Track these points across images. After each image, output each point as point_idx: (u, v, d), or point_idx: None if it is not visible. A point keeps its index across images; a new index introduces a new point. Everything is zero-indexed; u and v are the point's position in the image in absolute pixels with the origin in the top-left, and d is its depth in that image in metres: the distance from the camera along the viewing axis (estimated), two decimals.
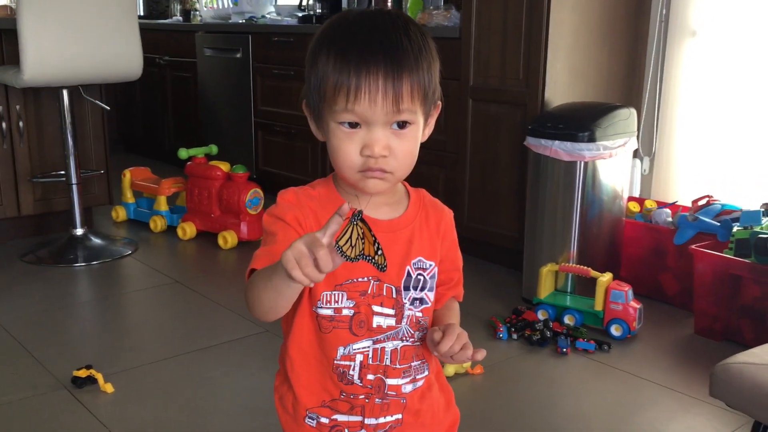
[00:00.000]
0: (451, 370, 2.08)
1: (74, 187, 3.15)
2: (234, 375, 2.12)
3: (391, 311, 0.98)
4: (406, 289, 0.99)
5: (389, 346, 0.99)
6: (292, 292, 0.86)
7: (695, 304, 2.41)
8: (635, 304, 2.36)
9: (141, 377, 2.10)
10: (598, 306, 2.38)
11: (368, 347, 0.98)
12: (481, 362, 2.14)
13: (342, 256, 0.80)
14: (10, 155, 3.20)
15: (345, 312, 0.97)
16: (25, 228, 3.37)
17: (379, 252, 0.82)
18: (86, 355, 2.21)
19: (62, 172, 3.20)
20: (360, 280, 0.97)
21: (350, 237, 0.81)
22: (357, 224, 0.81)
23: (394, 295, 0.99)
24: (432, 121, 0.99)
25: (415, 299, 1.00)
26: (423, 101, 0.93)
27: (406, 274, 0.99)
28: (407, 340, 1.00)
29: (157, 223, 3.51)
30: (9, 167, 3.20)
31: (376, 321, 0.98)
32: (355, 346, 0.98)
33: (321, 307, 0.97)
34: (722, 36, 2.78)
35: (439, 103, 0.99)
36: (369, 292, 0.97)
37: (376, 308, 0.98)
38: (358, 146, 0.91)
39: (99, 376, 2.00)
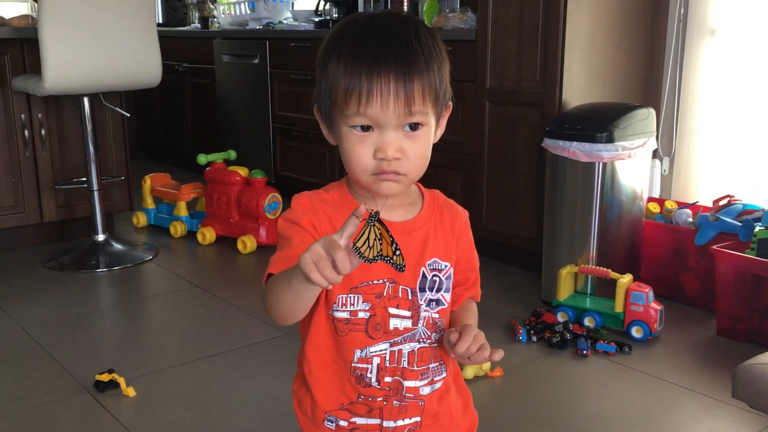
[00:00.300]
0: (470, 372, 2.07)
1: (95, 194, 3.19)
2: (254, 379, 2.13)
3: (408, 313, 0.99)
4: (422, 290, 0.99)
5: (406, 348, 0.99)
6: (310, 295, 0.86)
7: (717, 304, 2.38)
8: (656, 306, 2.34)
9: (162, 381, 2.11)
10: (619, 308, 2.36)
11: (385, 350, 0.98)
12: (500, 365, 2.14)
13: (360, 257, 0.80)
14: (32, 163, 3.24)
15: (361, 315, 0.97)
16: (47, 234, 3.42)
17: (398, 252, 0.82)
18: (108, 359, 2.23)
19: (84, 179, 3.24)
20: (376, 282, 0.97)
21: (368, 238, 0.81)
22: (374, 225, 0.81)
23: (410, 297, 0.99)
24: (443, 122, 1.00)
25: (431, 300, 1.00)
26: (434, 102, 0.94)
27: (421, 276, 0.99)
28: (424, 342, 1.00)
29: (177, 229, 3.54)
30: (32, 175, 3.25)
31: (393, 323, 0.98)
32: (372, 349, 0.98)
33: (337, 311, 0.97)
34: (742, 35, 2.76)
35: (450, 103, 0.99)
36: (385, 294, 0.97)
37: (392, 310, 0.98)
38: (370, 149, 0.92)
39: (121, 380, 2.02)
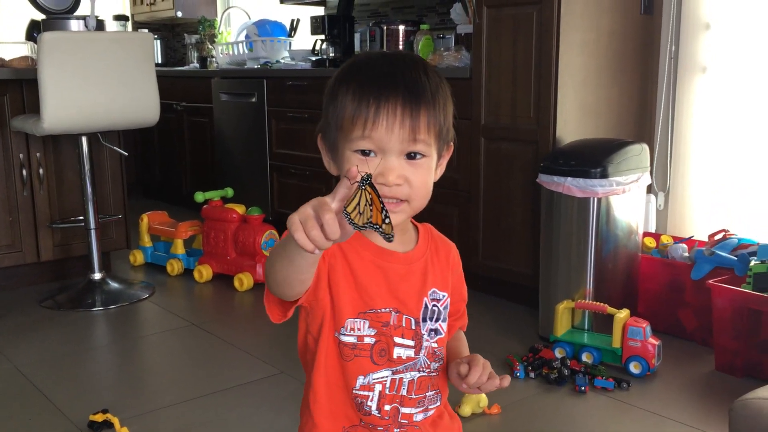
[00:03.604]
0: (467, 410, 2.06)
1: (92, 232, 3.19)
2: (250, 417, 2.11)
3: (411, 342, 1.00)
4: (424, 320, 1.01)
5: (407, 377, 1.01)
6: (303, 263, 0.84)
7: (715, 339, 2.37)
8: (654, 341, 2.34)
9: (157, 421, 2.09)
10: (616, 343, 2.36)
11: (387, 377, 0.99)
12: (498, 401, 2.12)
13: (350, 223, 0.76)
14: (30, 202, 3.25)
15: (367, 340, 0.98)
16: (44, 273, 3.41)
17: (387, 220, 0.78)
18: (103, 399, 2.21)
19: (81, 218, 3.25)
20: (382, 311, 0.98)
21: (358, 203, 0.76)
22: (365, 189, 0.77)
23: (413, 327, 1.00)
24: (444, 162, 1.02)
25: (431, 330, 1.02)
26: (437, 137, 0.96)
27: (423, 306, 1.01)
28: (424, 371, 1.02)
29: (174, 267, 3.53)
30: (29, 214, 3.26)
31: (397, 352, 0.99)
32: (375, 376, 0.99)
33: (344, 334, 0.98)
34: (732, 72, 2.80)
35: (452, 144, 1.01)
36: (391, 323, 0.99)
37: (398, 339, 0.99)
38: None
39: (115, 421, 2.00)
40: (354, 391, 0.99)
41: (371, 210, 0.77)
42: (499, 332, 2.68)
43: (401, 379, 1.00)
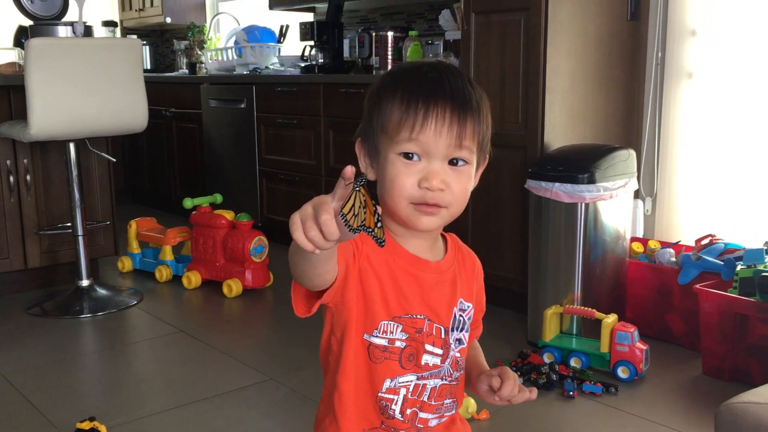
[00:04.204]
0: None
1: (80, 239, 3.18)
2: (239, 424, 2.10)
3: (440, 351, 1.01)
4: (452, 330, 1.03)
5: (430, 383, 1.02)
6: (315, 258, 0.81)
7: (702, 344, 2.39)
8: (641, 346, 2.35)
9: (145, 428, 2.08)
10: (604, 348, 2.36)
11: (411, 381, 1.00)
12: (486, 407, 2.12)
13: (345, 225, 0.74)
14: (17, 209, 3.23)
15: (398, 344, 0.98)
16: (31, 280, 3.39)
17: (379, 225, 0.77)
18: (90, 407, 2.20)
19: (69, 224, 3.24)
20: (417, 317, 0.99)
21: (353, 205, 0.74)
22: (359, 191, 0.75)
23: (443, 336, 1.01)
24: (479, 174, 1.03)
25: (456, 339, 1.04)
26: (479, 147, 0.97)
27: (453, 316, 1.02)
28: (446, 380, 1.03)
29: (163, 273, 3.52)
30: (16, 221, 3.24)
31: (425, 359, 1.00)
32: (401, 380, 0.99)
33: (377, 336, 0.98)
34: (718, 78, 2.82)
35: (488, 157, 1.02)
36: (424, 330, 0.99)
37: (428, 347, 1.00)
38: (415, 178, 0.93)
39: (103, 428, 1.99)
40: (380, 394, 0.99)
41: (365, 212, 0.75)
42: (488, 337, 2.67)
43: (425, 385, 1.01)
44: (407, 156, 0.93)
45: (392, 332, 0.98)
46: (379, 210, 0.77)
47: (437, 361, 1.01)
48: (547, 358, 2.43)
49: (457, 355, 1.04)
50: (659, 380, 2.36)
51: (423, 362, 1.00)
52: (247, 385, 2.35)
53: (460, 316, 1.04)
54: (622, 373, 2.34)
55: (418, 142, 0.92)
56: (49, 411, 2.18)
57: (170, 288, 3.46)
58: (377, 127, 0.96)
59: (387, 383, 0.99)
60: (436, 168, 0.93)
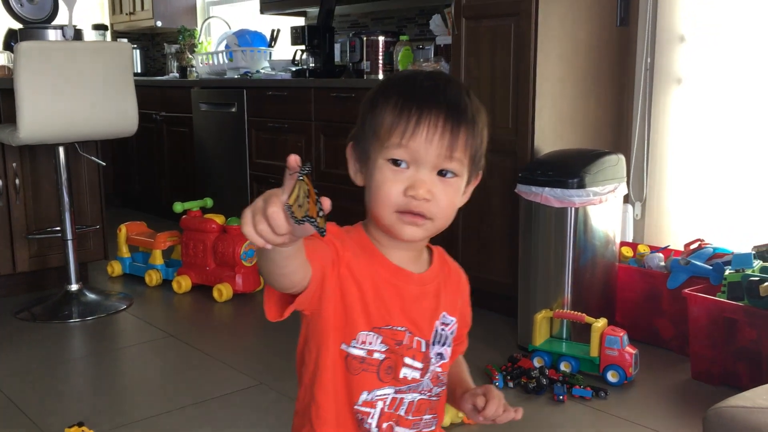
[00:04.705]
0: (447, 420, 2.06)
1: (69, 243, 3.16)
2: (228, 429, 2.09)
3: (420, 365, 0.99)
4: (433, 343, 1.00)
5: (408, 397, 0.99)
6: (276, 256, 0.79)
7: (691, 348, 2.40)
8: (631, 350, 2.35)
9: None
10: (594, 352, 2.37)
11: (389, 395, 0.98)
12: None
13: (291, 217, 0.71)
14: (6, 213, 3.22)
15: (376, 356, 0.96)
16: (19, 285, 3.37)
17: (321, 213, 0.73)
18: (79, 411, 2.19)
19: (58, 228, 3.22)
20: (398, 329, 0.97)
21: (298, 195, 0.72)
22: (303, 180, 0.73)
23: (423, 350, 0.99)
24: (470, 190, 1.00)
25: (437, 354, 1.01)
26: (471, 160, 0.95)
27: (434, 329, 1.00)
28: (425, 394, 1.01)
29: (153, 277, 3.51)
30: (5, 225, 3.22)
31: (404, 372, 0.98)
32: (378, 393, 0.97)
33: (354, 347, 0.95)
34: (707, 83, 2.84)
35: (480, 173, 1.00)
36: (404, 342, 0.97)
37: (408, 360, 0.98)
38: (402, 186, 0.91)
39: None
40: (356, 407, 0.97)
41: (308, 202, 0.72)
42: (478, 342, 2.69)
43: (402, 399, 0.99)
44: (396, 163, 0.91)
45: (371, 343, 0.95)
46: (323, 201, 0.73)
47: (416, 375, 0.99)
48: (537, 363, 2.43)
49: (438, 370, 1.01)
50: (649, 384, 2.37)
51: (401, 375, 0.97)
52: (237, 389, 2.35)
53: (443, 329, 1.01)
54: (611, 377, 2.34)
55: (408, 149, 0.91)
56: (37, 416, 2.16)
57: (160, 292, 3.45)
58: (369, 131, 0.94)
59: (364, 396, 0.96)
60: (423, 177, 0.91)
